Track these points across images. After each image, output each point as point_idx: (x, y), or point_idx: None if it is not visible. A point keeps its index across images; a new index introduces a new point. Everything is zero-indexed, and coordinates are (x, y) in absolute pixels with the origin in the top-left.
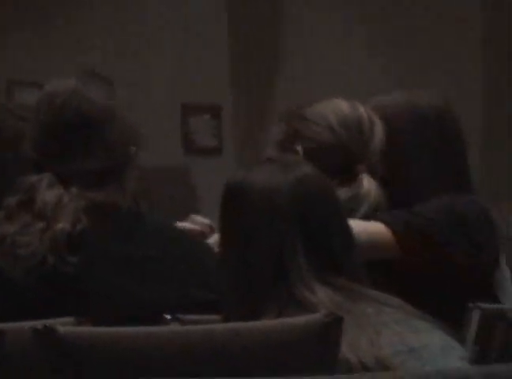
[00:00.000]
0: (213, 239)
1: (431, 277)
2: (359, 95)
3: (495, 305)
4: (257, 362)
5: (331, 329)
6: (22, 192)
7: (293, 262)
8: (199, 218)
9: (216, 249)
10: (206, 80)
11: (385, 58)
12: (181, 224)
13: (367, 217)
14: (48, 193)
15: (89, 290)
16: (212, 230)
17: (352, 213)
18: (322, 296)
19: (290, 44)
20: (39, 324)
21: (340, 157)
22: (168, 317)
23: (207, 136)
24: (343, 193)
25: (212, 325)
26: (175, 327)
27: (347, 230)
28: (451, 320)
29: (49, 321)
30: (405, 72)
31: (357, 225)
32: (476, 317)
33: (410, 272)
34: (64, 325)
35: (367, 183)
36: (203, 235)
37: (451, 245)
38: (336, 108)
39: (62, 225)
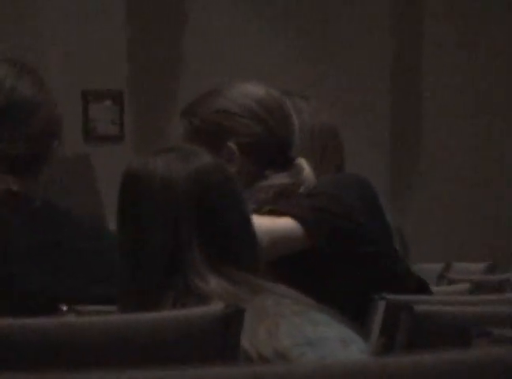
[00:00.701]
0: None
1: (336, 268)
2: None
3: (400, 296)
4: (154, 354)
5: (231, 321)
6: None
7: (188, 253)
8: None
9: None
10: (106, 65)
11: (290, 47)
12: None
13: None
14: None
15: None
16: None
17: (292, 196)
18: (217, 287)
19: (192, 27)
20: None
21: (273, 146)
22: (64, 307)
23: (108, 124)
24: (284, 178)
25: (107, 316)
26: (70, 318)
27: (247, 222)
28: (356, 311)
29: None
30: (310, 61)
31: (266, 222)
32: (381, 308)
33: (315, 263)
34: None
35: (306, 167)
36: None
37: (360, 214)
38: (252, 94)
39: None
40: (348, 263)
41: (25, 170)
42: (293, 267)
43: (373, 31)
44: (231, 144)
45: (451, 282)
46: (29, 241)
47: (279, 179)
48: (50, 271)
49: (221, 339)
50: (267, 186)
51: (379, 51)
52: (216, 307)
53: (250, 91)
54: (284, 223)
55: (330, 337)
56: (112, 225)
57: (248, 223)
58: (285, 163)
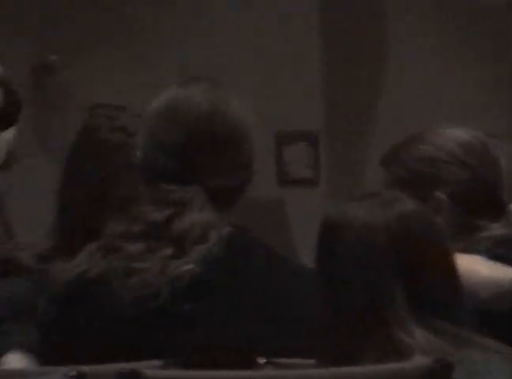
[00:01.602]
0: None
1: None
2: (467, 125)
3: None
4: None
5: (439, 376)
6: (171, 207)
7: (391, 304)
8: None
9: None
10: (301, 106)
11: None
12: None
13: None
14: (196, 215)
15: (191, 331)
16: None
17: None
18: (422, 340)
19: (391, 66)
20: (124, 366)
21: (483, 192)
22: (262, 360)
23: (302, 167)
24: (503, 228)
25: (308, 370)
26: (269, 371)
27: (452, 270)
28: None
29: (136, 364)
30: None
31: (492, 272)
32: None
33: None
34: (151, 368)
35: None
36: None
37: None
38: (456, 138)
39: (192, 267)
40: None
41: (232, 204)
42: (500, 315)
43: None
44: (439, 194)
45: None
46: (238, 291)
47: (498, 230)
48: (257, 321)
49: None
50: (486, 237)
51: None
52: (423, 362)
53: (454, 135)
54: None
55: None
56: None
57: (454, 272)
58: (497, 209)
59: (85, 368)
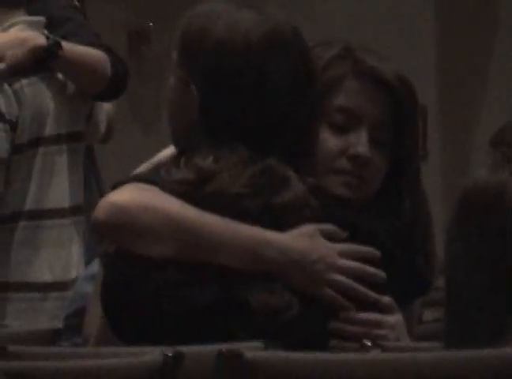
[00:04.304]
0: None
1: None
2: None
3: None
4: None
5: None
6: None
7: None
8: None
9: None
10: (411, 79)
11: None
12: None
13: None
14: None
15: None
16: None
17: None
18: None
19: (502, 42)
20: (223, 347)
21: None
22: (368, 343)
23: None
24: None
25: (418, 354)
26: (376, 354)
27: None
28: None
29: (235, 344)
30: None
31: None
32: None
33: None
34: (252, 350)
35: None
36: None
37: None
38: None
39: None
40: None
41: None
42: None
43: None
44: None
45: None
46: None
47: None
48: None
49: None
50: None
51: None
52: None
53: None
54: None
55: None
56: None
57: None
58: None
59: (183, 348)
